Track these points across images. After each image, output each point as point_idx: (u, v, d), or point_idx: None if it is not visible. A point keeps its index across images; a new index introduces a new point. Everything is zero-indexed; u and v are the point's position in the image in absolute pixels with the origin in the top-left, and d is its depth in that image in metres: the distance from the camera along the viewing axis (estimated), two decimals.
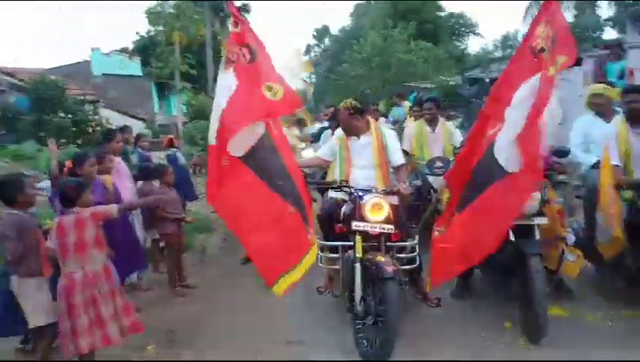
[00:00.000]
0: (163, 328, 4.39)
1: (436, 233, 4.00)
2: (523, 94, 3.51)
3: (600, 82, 6.15)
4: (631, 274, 4.10)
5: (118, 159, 5.25)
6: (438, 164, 5.32)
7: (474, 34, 39.25)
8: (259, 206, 3.52)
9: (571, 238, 4.07)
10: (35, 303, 3.46)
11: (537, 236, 3.86)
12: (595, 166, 4.39)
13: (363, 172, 4.32)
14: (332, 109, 7.80)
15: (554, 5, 3.58)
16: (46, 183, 5.39)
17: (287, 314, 4.53)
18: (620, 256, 4.03)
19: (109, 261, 3.63)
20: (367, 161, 4.35)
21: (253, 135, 3.55)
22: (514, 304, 3.98)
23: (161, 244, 5.72)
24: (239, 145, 3.49)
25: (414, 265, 4.16)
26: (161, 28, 18.94)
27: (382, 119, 9.49)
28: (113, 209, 3.70)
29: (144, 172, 5.52)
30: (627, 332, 3.83)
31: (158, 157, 7.94)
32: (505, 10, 65.26)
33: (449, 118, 8.36)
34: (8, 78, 18.16)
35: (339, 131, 4.61)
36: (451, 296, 4.59)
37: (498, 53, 35.63)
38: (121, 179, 5.12)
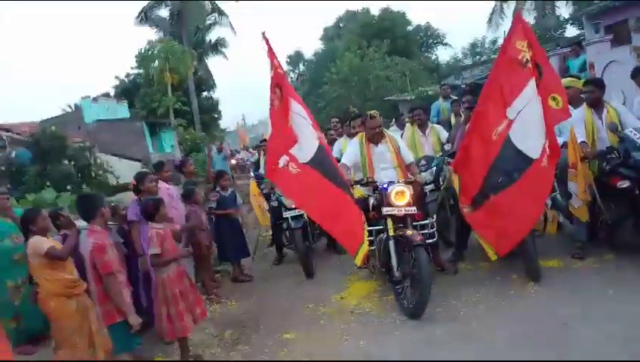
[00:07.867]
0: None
1: (465, 210, 4.93)
2: (526, 99, 4.57)
3: (566, 76, 7.26)
4: (608, 226, 5.06)
5: (166, 185, 6.07)
6: (422, 162, 6.33)
7: (442, 44, 41.01)
8: (329, 198, 4.68)
9: (548, 203, 5.24)
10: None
11: None
12: (565, 145, 5.17)
13: (386, 172, 5.27)
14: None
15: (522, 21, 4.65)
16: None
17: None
18: (594, 215, 4.99)
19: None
20: (389, 164, 5.33)
21: (312, 146, 4.78)
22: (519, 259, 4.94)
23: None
24: (304, 153, 4.71)
25: (433, 240, 5.08)
26: (148, 69, 19.99)
27: None
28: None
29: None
30: (612, 271, 4.74)
31: None
32: (469, 17, 67.86)
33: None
34: (7, 133, 18.83)
35: (356, 139, 5.55)
36: (449, 260, 5.59)
37: (468, 61, 37.20)
38: (173, 201, 5.97)
